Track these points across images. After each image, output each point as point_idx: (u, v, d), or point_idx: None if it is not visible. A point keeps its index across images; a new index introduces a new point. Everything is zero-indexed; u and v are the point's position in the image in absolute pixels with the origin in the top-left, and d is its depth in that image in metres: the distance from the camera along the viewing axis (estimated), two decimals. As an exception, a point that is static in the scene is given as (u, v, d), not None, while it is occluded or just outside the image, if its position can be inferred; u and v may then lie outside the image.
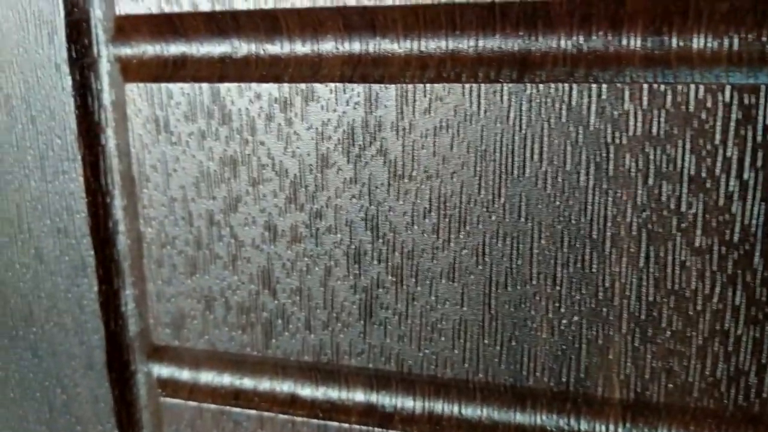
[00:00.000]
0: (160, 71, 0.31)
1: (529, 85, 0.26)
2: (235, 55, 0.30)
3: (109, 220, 0.34)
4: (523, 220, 0.27)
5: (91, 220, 0.34)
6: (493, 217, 0.28)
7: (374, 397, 0.32)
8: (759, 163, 0.24)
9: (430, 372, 0.30)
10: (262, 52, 0.30)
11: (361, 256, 0.30)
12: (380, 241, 0.29)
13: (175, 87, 0.31)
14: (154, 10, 0.30)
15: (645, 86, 0.25)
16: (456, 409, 0.31)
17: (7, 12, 0.32)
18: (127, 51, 0.32)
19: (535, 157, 0.27)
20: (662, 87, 0.25)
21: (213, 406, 0.34)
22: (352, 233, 0.30)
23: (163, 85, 0.31)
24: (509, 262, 0.28)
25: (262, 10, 0.29)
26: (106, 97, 0.32)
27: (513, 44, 0.26)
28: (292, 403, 0.33)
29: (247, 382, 0.34)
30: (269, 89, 0.29)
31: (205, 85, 0.30)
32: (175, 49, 0.31)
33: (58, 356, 0.36)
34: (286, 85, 0.29)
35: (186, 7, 0.30)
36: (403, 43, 0.28)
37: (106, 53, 0.32)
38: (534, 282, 0.28)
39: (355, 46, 0.29)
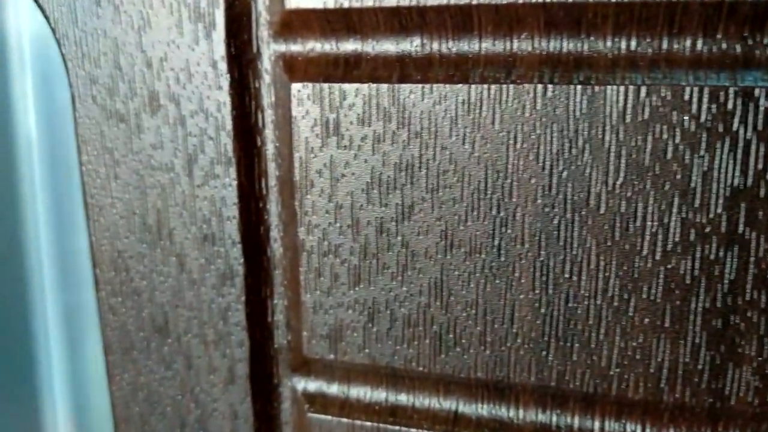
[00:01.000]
0: (331, 70, 0.29)
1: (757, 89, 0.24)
2: (416, 53, 0.28)
3: (261, 226, 0.32)
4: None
5: (242, 227, 0.32)
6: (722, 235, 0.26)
7: (550, 417, 0.30)
8: None
9: (618, 392, 0.28)
10: (447, 50, 0.28)
11: (549, 270, 0.28)
12: (572, 254, 0.28)
13: (350, 87, 0.29)
14: (330, 5, 0.28)
15: None
16: (641, 430, 0.29)
17: (158, 3, 0.30)
18: (293, 48, 0.30)
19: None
20: None
21: (367, 423, 0.32)
22: (541, 245, 0.28)
23: (336, 85, 0.29)
24: (720, 286, 0.26)
25: (455, 5, 0.27)
26: (266, 97, 0.30)
27: (735, 46, 0.24)
28: (455, 421, 0.32)
29: (406, 398, 0.32)
30: (456, 90, 0.27)
31: (383, 86, 0.28)
32: (350, 46, 0.29)
33: (194, 369, 0.34)
34: (474, 86, 0.27)
35: (367, 1, 0.27)
36: (610, 42, 0.26)
37: (268, 50, 0.30)
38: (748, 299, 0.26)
39: (555, 45, 0.26)
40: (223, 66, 0.30)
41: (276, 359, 0.34)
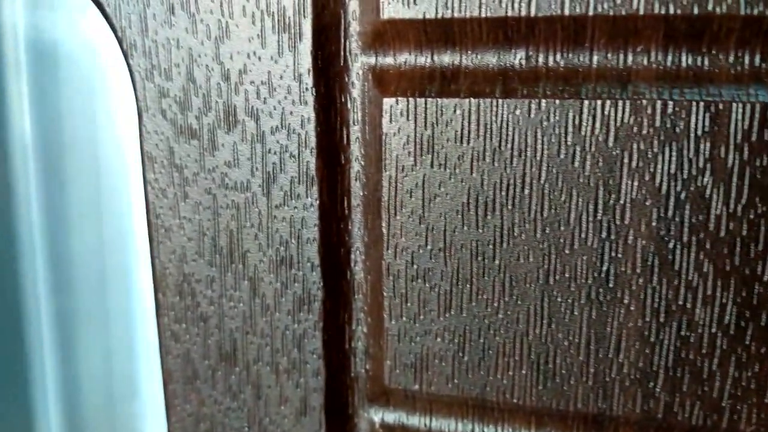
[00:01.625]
0: (426, 84, 0.28)
1: None
2: (521, 66, 0.26)
3: (342, 249, 0.30)
4: None
5: (322, 249, 0.30)
6: None
7: (654, 451, 0.28)
8: None
9: (729, 424, 0.27)
10: (555, 63, 0.26)
11: (661, 297, 0.26)
12: (687, 280, 0.26)
13: (447, 102, 0.27)
14: (431, 15, 0.26)
15: None
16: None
17: (239, 12, 0.28)
18: (384, 61, 0.28)
19: None
20: None
21: (452, 457, 0.31)
22: (654, 271, 0.26)
23: (432, 100, 0.27)
24: None
25: (569, 16, 0.25)
26: (352, 113, 0.29)
27: None
28: (548, 456, 0.30)
29: (494, 431, 0.30)
30: (565, 106, 0.26)
31: (483, 101, 0.26)
32: (447, 59, 0.27)
33: (264, 400, 0.32)
34: (586, 101, 0.25)
35: (472, 11, 0.26)
36: (734, 57, 0.24)
37: (356, 63, 0.28)
38: None
39: (674, 59, 0.25)
40: (308, 79, 0.28)
41: (352, 389, 0.32)
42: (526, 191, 0.27)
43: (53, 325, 0.60)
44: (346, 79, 0.29)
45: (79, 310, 0.59)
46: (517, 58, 0.27)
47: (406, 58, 0.28)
